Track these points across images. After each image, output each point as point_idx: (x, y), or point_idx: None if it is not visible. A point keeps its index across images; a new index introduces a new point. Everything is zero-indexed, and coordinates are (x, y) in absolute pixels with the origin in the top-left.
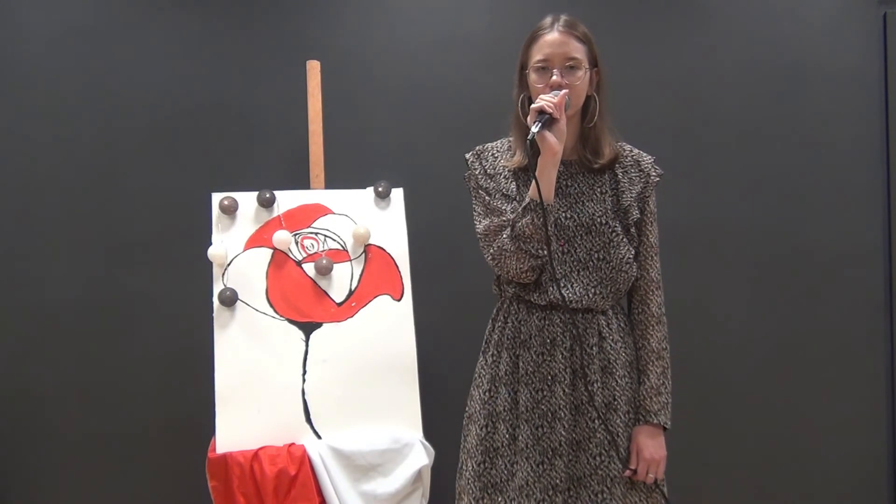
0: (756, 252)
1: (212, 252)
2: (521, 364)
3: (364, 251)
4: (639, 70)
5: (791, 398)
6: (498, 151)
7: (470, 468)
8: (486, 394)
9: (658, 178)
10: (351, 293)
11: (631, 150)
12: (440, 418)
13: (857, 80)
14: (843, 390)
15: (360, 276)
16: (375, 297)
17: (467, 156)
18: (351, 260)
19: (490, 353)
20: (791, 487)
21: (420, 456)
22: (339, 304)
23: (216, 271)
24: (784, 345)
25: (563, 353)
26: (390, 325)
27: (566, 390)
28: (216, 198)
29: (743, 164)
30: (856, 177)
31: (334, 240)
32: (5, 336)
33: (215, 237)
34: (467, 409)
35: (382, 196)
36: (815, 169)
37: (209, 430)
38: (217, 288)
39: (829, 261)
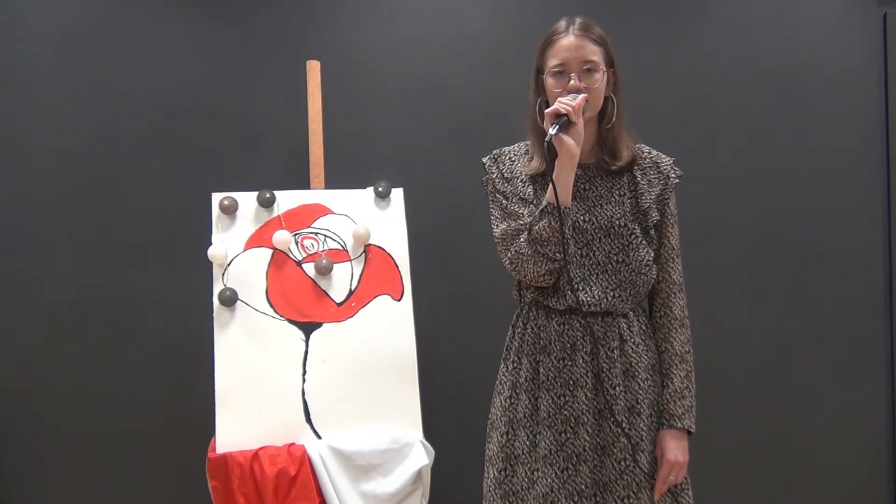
0: (755, 251)
1: (212, 252)
2: (541, 370)
3: (364, 251)
4: (638, 70)
5: (791, 398)
6: (515, 155)
7: (491, 476)
8: (507, 401)
9: (678, 180)
10: (351, 293)
11: (650, 152)
12: (440, 418)
13: (857, 80)
14: (843, 390)
15: (360, 276)
16: (375, 297)
17: (484, 160)
18: (351, 260)
19: (511, 359)
20: (791, 487)
21: (420, 456)
22: (339, 304)
23: (216, 271)
24: (784, 345)
25: (583, 358)
26: (390, 325)
27: (589, 395)
28: (216, 198)
29: (742, 164)
30: (856, 177)
31: (334, 240)
32: (5, 336)
33: (215, 237)
34: (490, 416)
35: (382, 196)
36: (815, 169)
37: (209, 430)
38: (217, 288)
39: (829, 261)
